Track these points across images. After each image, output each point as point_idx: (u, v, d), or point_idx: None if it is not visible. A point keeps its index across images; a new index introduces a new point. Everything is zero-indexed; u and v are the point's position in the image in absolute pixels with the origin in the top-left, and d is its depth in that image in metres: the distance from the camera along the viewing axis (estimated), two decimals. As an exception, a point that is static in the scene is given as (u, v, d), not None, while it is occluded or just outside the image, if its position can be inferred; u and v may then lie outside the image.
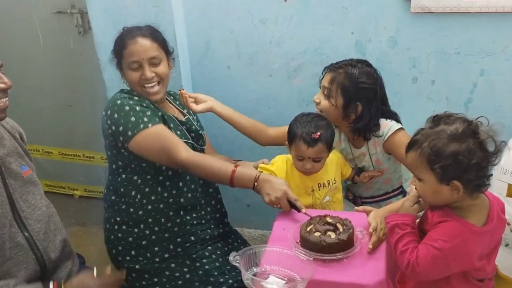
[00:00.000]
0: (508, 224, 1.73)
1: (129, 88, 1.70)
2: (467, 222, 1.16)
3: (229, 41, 2.02)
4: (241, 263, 1.25)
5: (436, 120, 1.19)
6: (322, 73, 1.68)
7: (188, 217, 1.71)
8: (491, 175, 1.17)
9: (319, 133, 1.54)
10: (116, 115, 1.57)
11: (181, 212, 1.70)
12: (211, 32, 2.01)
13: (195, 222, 1.72)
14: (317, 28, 1.93)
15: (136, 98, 1.62)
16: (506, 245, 1.76)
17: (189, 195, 1.70)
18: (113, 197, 1.71)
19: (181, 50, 2.03)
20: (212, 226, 1.77)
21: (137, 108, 1.57)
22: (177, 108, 1.81)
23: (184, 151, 1.55)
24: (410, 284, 1.31)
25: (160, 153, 1.57)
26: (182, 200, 1.69)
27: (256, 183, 1.51)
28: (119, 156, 1.65)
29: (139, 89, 1.65)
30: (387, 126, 1.65)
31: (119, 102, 1.59)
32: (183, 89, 1.77)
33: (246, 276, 1.23)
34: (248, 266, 1.28)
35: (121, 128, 1.56)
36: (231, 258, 1.26)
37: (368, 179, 1.73)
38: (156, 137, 1.56)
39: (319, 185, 1.65)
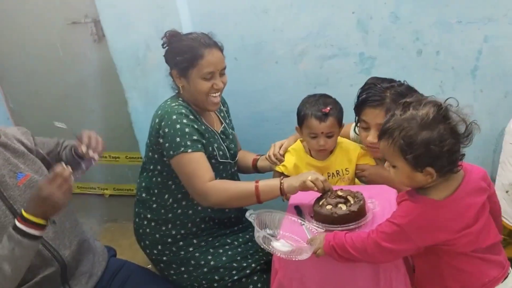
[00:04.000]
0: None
1: (181, 99, 1.69)
2: (425, 198, 1.18)
3: (234, 33, 2.08)
4: (255, 221, 1.33)
5: (406, 105, 1.17)
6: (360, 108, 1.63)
7: (212, 223, 1.79)
8: (463, 155, 1.18)
9: (329, 108, 1.61)
10: (166, 130, 1.60)
11: (206, 218, 1.77)
12: (216, 27, 2.06)
13: (217, 227, 1.80)
14: (318, 11, 1.97)
15: (191, 117, 1.63)
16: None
17: (216, 208, 1.75)
18: (143, 195, 1.78)
19: (189, 47, 2.11)
20: (235, 228, 1.84)
21: (187, 129, 1.60)
22: (215, 114, 1.85)
23: (207, 181, 1.57)
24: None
25: (187, 177, 1.60)
26: (209, 210, 1.75)
27: (282, 181, 1.52)
28: (160, 161, 1.70)
29: (204, 98, 1.65)
30: None
31: (174, 117, 1.60)
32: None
33: (260, 233, 1.31)
34: (263, 227, 1.36)
35: (167, 144, 1.61)
36: (247, 214, 1.35)
37: None
38: (190, 162, 1.59)
39: (328, 174, 1.71)
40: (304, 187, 1.47)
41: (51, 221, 1.39)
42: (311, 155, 1.73)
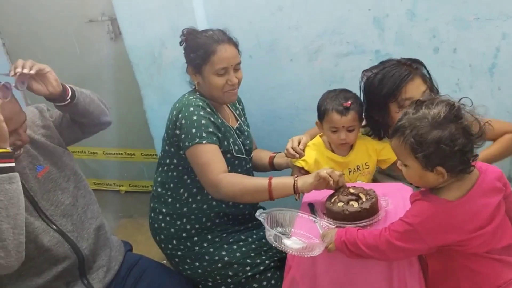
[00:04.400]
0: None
1: (198, 93, 1.71)
2: (437, 198, 1.18)
3: (249, 31, 2.08)
4: (266, 220, 1.35)
5: (418, 104, 1.17)
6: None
7: (226, 219, 1.80)
8: (477, 155, 1.16)
9: (350, 102, 1.62)
10: (183, 121, 1.62)
11: (221, 213, 1.78)
12: (232, 25, 2.07)
13: (231, 223, 1.81)
14: (334, 8, 1.96)
15: (208, 109, 1.65)
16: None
17: (230, 203, 1.77)
18: (159, 189, 1.81)
19: (204, 45, 2.12)
20: (249, 224, 1.86)
21: (203, 121, 1.61)
22: (230, 111, 1.87)
23: (219, 173, 1.57)
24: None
25: (200, 168, 1.61)
26: (224, 205, 1.76)
27: (296, 179, 1.51)
28: (176, 155, 1.72)
29: (220, 94, 1.68)
30: None
31: (191, 109, 1.63)
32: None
33: (271, 232, 1.33)
34: (274, 226, 1.38)
35: (183, 136, 1.63)
36: (257, 214, 1.36)
37: None
38: (204, 153, 1.60)
39: (349, 170, 1.72)
40: (318, 179, 1.46)
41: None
42: (331, 150, 1.73)
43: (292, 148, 1.74)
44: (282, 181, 1.53)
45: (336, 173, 1.46)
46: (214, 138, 1.63)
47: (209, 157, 1.60)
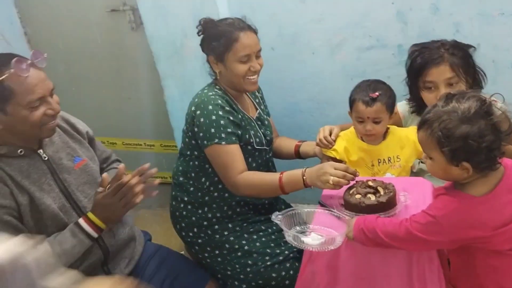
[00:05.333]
0: None
1: (218, 87, 1.72)
2: (461, 193, 1.17)
3: (272, 23, 2.08)
4: (282, 222, 1.36)
5: (449, 98, 1.16)
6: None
7: (247, 208, 1.82)
8: (504, 153, 1.15)
9: (377, 93, 1.61)
10: (202, 119, 1.64)
11: (242, 202, 1.80)
12: (254, 16, 2.07)
13: (252, 212, 1.83)
14: (357, 1, 1.96)
15: (227, 108, 1.66)
16: None
17: None
18: (181, 178, 1.83)
19: (226, 36, 2.12)
20: (269, 215, 1.86)
21: (222, 121, 1.62)
22: (250, 100, 1.87)
23: (238, 174, 1.62)
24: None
25: (220, 168, 1.66)
26: None
27: (304, 177, 1.53)
28: (197, 147, 1.73)
29: (242, 81, 1.68)
30: None
31: (210, 107, 1.63)
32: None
33: (289, 233, 1.34)
34: (292, 225, 1.39)
35: (201, 134, 1.65)
36: (273, 217, 1.37)
37: None
38: (223, 154, 1.63)
39: (379, 160, 1.71)
40: (328, 188, 1.46)
41: (109, 228, 1.46)
42: (362, 139, 1.73)
43: (323, 137, 1.75)
44: (292, 178, 1.56)
45: (342, 181, 1.44)
46: (234, 138, 1.64)
47: (228, 158, 1.63)
